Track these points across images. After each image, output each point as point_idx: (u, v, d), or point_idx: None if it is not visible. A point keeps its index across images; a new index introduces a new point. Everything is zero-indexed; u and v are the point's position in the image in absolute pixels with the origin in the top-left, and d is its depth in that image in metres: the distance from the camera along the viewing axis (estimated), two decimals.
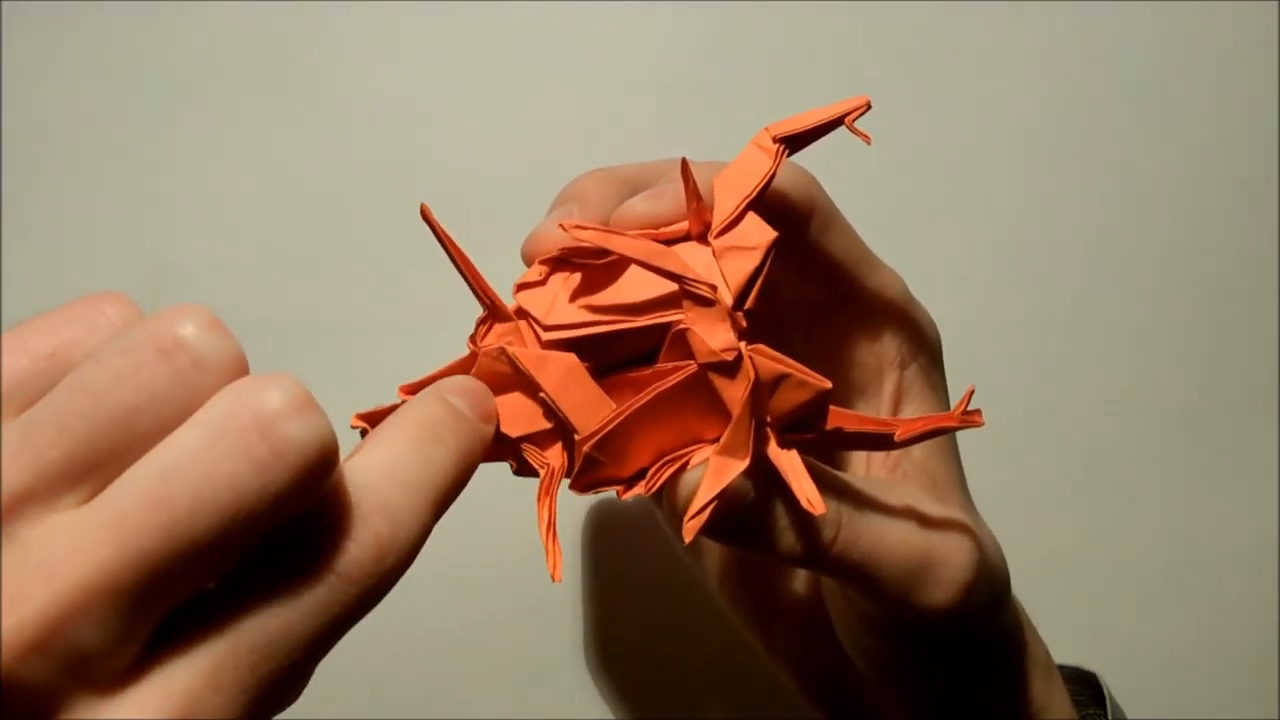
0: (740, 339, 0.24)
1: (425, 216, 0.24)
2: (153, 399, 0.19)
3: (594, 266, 0.25)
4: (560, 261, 0.25)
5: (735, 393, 0.23)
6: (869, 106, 0.25)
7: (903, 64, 0.41)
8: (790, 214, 0.26)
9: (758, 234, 0.24)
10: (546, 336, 0.24)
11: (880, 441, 0.25)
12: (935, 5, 0.41)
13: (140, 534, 0.18)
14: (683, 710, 0.40)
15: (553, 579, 0.23)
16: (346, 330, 0.38)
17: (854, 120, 0.25)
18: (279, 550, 0.19)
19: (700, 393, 0.24)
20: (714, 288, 0.24)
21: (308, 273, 0.38)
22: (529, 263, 0.26)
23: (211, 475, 0.18)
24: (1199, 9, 0.42)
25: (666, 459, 0.24)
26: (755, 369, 0.23)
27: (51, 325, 0.20)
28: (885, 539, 0.26)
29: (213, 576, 0.19)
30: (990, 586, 0.28)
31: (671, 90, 0.40)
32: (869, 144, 0.25)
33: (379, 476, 0.20)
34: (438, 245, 0.24)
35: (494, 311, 0.25)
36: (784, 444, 0.24)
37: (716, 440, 0.24)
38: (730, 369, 0.23)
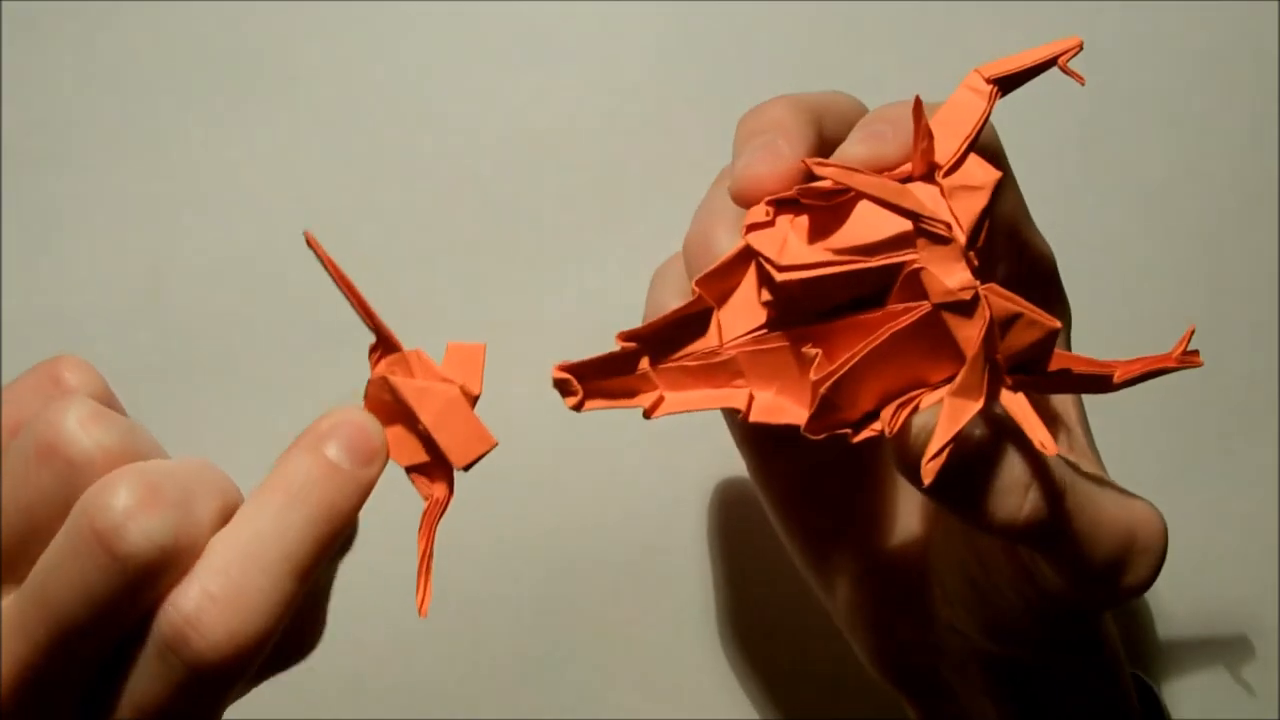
0: (975, 277, 0.23)
1: (310, 244, 0.24)
2: (42, 499, 0.21)
3: (822, 207, 0.24)
4: (785, 202, 0.24)
5: (970, 333, 0.23)
6: (1081, 47, 0.25)
7: (903, 64, 0.41)
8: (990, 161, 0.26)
9: (982, 173, 0.24)
10: (781, 277, 0.24)
11: (1099, 384, 0.25)
12: (935, 5, 0.41)
13: (32, 630, 0.21)
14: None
15: (419, 614, 0.23)
16: (346, 330, 0.38)
17: (1067, 61, 0.25)
18: (133, 635, 0.21)
19: (929, 334, 0.23)
20: (949, 226, 0.23)
21: (307, 273, 0.38)
22: (744, 203, 0.25)
23: (70, 584, 0.20)
24: (1199, 9, 0.42)
25: (899, 402, 0.24)
26: (990, 308, 0.23)
27: (15, 396, 0.22)
28: (1104, 511, 0.25)
29: (95, 663, 0.21)
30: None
31: (671, 90, 0.40)
32: (1083, 85, 0.25)
33: (236, 552, 0.21)
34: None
35: (382, 341, 0.25)
36: (1012, 386, 0.24)
37: (944, 383, 0.23)
38: (966, 308, 0.23)
